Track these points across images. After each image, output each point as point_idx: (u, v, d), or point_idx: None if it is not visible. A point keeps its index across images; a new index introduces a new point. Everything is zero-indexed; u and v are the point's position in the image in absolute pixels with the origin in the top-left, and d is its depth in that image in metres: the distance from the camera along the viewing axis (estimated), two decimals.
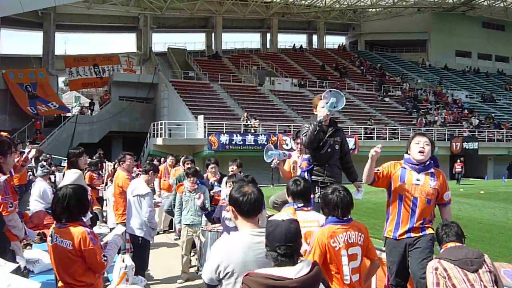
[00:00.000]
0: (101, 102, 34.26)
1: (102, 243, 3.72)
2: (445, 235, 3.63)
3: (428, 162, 4.19)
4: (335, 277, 3.38)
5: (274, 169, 5.89)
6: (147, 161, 8.56)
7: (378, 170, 4.32)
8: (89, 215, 6.29)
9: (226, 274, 2.63)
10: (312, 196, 4.90)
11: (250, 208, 2.74)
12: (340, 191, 3.49)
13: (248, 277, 2.26)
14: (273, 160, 5.27)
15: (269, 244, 2.36)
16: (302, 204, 3.82)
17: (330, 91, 5.01)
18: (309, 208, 3.87)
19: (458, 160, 27.69)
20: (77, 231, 3.42)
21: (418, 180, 4.15)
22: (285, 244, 2.31)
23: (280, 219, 2.43)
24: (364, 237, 3.48)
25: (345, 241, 3.39)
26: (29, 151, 6.02)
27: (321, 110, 4.88)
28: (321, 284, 2.31)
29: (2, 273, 2.64)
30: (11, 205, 4.08)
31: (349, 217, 3.50)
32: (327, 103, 4.83)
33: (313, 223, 3.76)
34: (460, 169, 27.20)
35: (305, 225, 3.68)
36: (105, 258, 3.46)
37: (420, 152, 4.16)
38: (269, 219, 2.53)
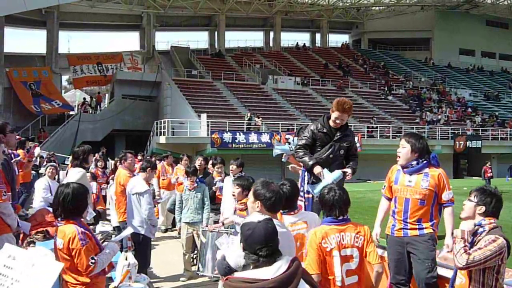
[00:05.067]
0: (97, 101, 34.47)
1: (105, 243, 3.74)
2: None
3: (415, 162, 4.11)
4: (327, 279, 3.34)
5: (285, 164, 5.92)
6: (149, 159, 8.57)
7: (383, 187, 4.48)
8: (92, 213, 6.30)
9: None
10: (310, 195, 4.92)
11: (276, 205, 3.20)
12: (336, 191, 3.45)
13: (227, 281, 2.24)
14: (282, 155, 5.39)
15: (248, 247, 2.34)
16: (287, 210, 3.75)
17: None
18: (295, 212, 3.82)
19: (488, 164, 24.87)
20: (68, 230, 3.44)
21: (410, 181, 4.12)
22: (266, 245, 2.30)
23: (256, 220, 2.45)
24: (363, 239, 3.41)
25: (338, 242, 3.33)
26: (35, 147, 6.05)
27: (317, 170, 4.80)
28: (302, 280, 2.26)
29: (26, 253, 2.67)
30: (4, 194, 4.19)
31: (346, 217, 3.44)
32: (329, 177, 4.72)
33: (301, 225, 3.75)
34: (491, 174, 24.20)
35: (293, 228, 3.68)
36: (93, 261, 3.43)
37: (397, 156, 4.21)
38: (244, 222, 2.55)
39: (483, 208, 3.37)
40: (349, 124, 5.33)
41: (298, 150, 5.04)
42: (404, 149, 4.14)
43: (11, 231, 4.33)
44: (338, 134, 4.99)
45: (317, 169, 4.77)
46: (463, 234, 3.27)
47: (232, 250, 2.95)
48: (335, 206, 3.40)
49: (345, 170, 4.87)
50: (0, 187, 4.16)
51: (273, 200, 3.14)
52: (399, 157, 4.17)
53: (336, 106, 4.89)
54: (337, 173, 4.66)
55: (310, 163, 4.85)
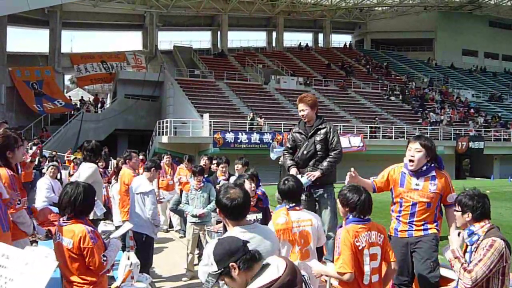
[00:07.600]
0: (95, 104, 34.56)
1: (107, 240, 3.74)
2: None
3: (425, 167, 4.11)
4: (354, 277, 3.35)
5: (282, 166, 6.07)
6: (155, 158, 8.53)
7: (375, 177, 4.45)
8: (103, 209, 6.32)
9: None
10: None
11: (237, 213, 2.90)
12: (363, 191, 3.51)
13: None
14: (280, 157, 5.54)
15: (235, 253, 2.21)
16: (293, 204, 3.81)
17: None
18: (300, 207, 3.88)
19: None
20: (78, 229, 3.43)
21: (418, 185, 4.11)
22: (243, 241, 2.28)
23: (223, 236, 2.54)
24: (383, 238, 3.49)
25: (367, 240, 3.39)
26: (38, 147, 6.05)
27: (291, 173, 5.12)
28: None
29: (20, 252, 2.67)
30: (19, 202, 4.08)
31: (368, 217, 3.51)
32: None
33: (307, 222, 3.79)
34: None
35: (300, 224, 3.75)
36: (105, 259, 3.46)
37: (410, 160, 4.12)
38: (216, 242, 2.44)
39: (470, 214, 3.33)
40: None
41: (285, 153, 5.47)
42: (419, 153, 4.07)
43: (26, 236, 4.26)
44: (311, 131, 5.29)
45: (291, 171, 5.11)
46: (454, 253, 3.27)
47: (199, 268, 3.00)
48: (361, 206, 3.45)
49: (311, 173, 5.10)
50: (14, 195, 3.99)
51: (230, 206, 2.85)
52: (413, 161, 4.08)
53: (297, 100, 5.44)
54: (304, 179, 4.91)
55: (288, 165, 5.23)
